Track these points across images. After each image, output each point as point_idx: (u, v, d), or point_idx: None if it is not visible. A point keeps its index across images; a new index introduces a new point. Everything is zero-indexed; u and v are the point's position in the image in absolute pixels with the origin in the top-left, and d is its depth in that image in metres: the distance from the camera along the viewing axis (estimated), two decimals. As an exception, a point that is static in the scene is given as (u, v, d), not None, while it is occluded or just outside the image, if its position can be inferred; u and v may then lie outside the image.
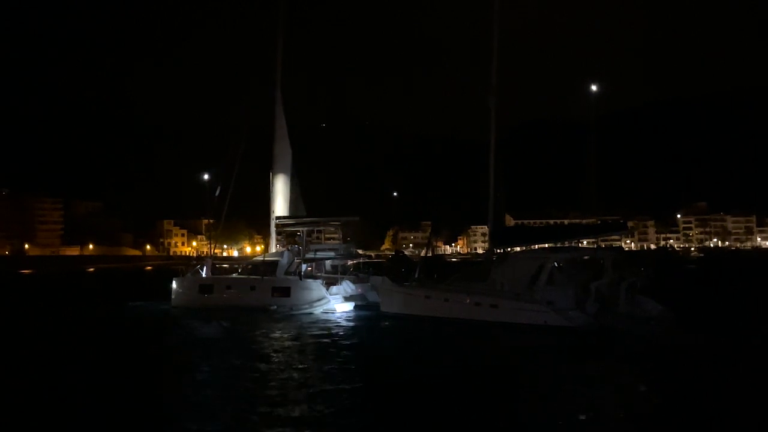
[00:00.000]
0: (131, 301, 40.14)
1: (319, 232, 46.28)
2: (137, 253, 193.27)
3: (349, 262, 39.14)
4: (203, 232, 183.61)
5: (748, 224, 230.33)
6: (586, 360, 20.93)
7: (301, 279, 35.10)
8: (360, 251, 46.95)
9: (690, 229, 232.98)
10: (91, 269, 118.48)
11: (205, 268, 38.69)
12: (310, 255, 37.04)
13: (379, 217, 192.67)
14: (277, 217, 40.47)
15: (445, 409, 14.98)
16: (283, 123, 41.20)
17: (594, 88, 30.74)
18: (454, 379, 18.14)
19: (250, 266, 39.34)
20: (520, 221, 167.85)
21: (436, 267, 35.13)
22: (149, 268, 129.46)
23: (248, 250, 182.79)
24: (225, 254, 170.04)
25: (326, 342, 24.66)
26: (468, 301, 28.21)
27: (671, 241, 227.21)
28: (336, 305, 33.77)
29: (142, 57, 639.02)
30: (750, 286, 49.30)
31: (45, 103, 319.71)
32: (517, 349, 22.96)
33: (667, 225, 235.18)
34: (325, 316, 32.15)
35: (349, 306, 34.04)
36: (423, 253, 38.41)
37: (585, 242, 34.00)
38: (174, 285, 38.06)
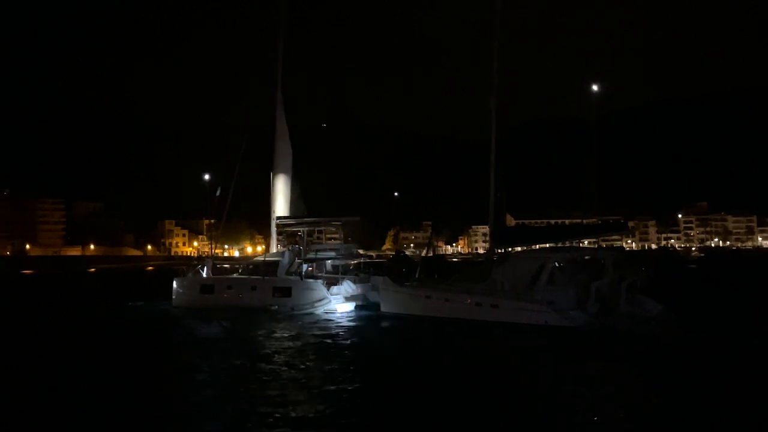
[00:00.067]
0: (132, 301, 40.23)
1: (320, 232, 46.34)
2: (138, 253, 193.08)
3: (350, 263, 39.14)
4: (204, 232, 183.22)
5: (749, 224, 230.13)
6: (587, 360, 20.92)
7: (302, 279, 35.11)
8: (361, 251, 46.91)
9: (691, 228, 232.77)
10: (92, 269, 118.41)
11: (206, 268, 38.74)
12: (311, 255, 37.01)
13: (379, 217, 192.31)
14: (278, 217, 40.47)
15: (446, 409, 14.99)
16: (284, 123, 41.21)
17: (595, 87, 30.72)
18: (455, 379, 18.15)
19: (251, 266, 39.36)
20: (520, 221, 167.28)
21: (436, 267, 35.13)
22: (150, 268, 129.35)
23: (249, 250, 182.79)
24: (226, 254, 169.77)
25: (327, 342, 24.68)
26: (469, 301, 28.23)
27: (672, 241, 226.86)
28: (337, 305, 33.77)
29: (142, 57, 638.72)
30: (751, 286, 49.25)
31: (45, 103, 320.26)
32: (518, 349, 22.97)
33: (668, 225, 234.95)
34: (326, 316, 32.15)
35: (350, 306, 34.06)
36: (424, 253, 38.38)
37: (586, 242, 34.01)
38: (175, 285, 38.12)
